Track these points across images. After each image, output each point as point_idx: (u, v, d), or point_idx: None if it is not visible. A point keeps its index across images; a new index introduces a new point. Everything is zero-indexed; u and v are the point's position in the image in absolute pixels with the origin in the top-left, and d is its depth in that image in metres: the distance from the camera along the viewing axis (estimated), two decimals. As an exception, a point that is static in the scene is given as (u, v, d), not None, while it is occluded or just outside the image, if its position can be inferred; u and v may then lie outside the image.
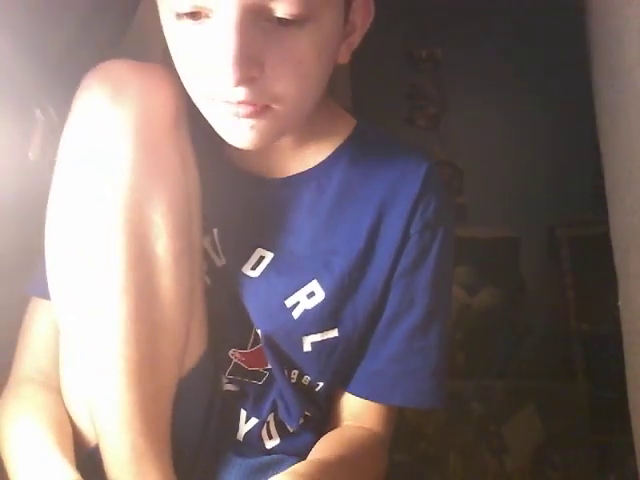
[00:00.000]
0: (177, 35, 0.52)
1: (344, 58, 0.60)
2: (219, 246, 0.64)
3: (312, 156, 0.65)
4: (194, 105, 0.57)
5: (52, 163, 0.56)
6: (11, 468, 0.53)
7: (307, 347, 0.63)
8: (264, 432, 0.66)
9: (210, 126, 0.56)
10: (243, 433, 0.65)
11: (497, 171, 2.36)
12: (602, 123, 0.82)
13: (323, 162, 0.65)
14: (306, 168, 0.65)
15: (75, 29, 0.63)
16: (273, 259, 0.63)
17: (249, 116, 0.52)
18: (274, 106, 0.53)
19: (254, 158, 0.65)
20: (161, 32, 0.55)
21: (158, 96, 0.54)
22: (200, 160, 0.60)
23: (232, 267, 0.63)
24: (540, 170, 2.32)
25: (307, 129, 0.64)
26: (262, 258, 0.63)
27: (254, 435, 0.65)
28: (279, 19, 0.49)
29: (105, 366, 0.52)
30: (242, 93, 0.50)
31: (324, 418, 0.69)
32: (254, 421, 0.65)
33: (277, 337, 0.63)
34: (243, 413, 0.65)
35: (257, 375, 0.66)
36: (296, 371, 0.65)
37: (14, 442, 0.55)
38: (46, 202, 0.55)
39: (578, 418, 1.81)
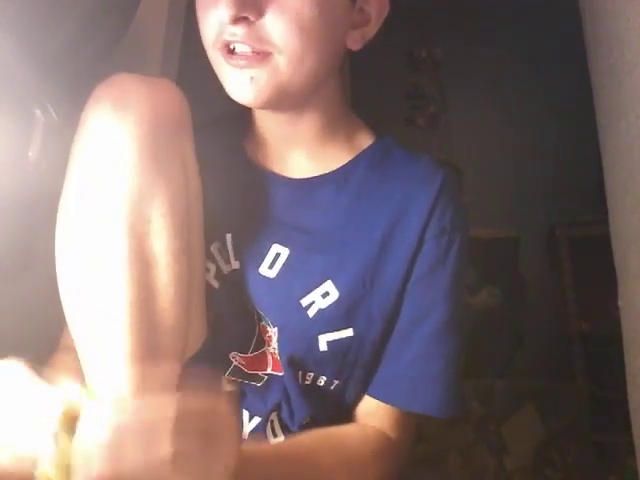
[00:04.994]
0: None
1: (355, 44, 0.63)
2: (231, 250, 0.65)
3: (332, 161, 0.68)
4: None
5: (52, 163, 0.56)
6: None
7: (323, 346, 0.63)
8: (268, 430, 0.67)
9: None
10: (248, 431, 0.66)
11: (497, 171, 2.36)
12: (602, 123, 0.82)
13: (342, 167, 0.68)
14: (325, 171, 0.67)
15: (75, 30, 0.63)
16: (289, 256, 0.64)
17: (248, 65, 0.56)
18: (275, 55, 0.56)
19: (275, 158, 0.68)
20: (161, 33, 0.55)
21: (160, 105, 0.56)
22: (221, 159, 0.61)
23: (247, 269, 0.64)
24: (540, 170, 2.32)
25: (329, 135, 0.68)
26: (278, 255, 0.64)
27: (259, 433, 0.66)
28: None
29: (106, 356, 0.53)
30: (239, 32, 0.55)
31: (331, 418, 0.69)
32: (257, 420, 0.66)
33: (293, 336, 0.63)
34: (246, 413, 0.66)
35: (256, 378, 0.67)
36: (311, 374, 0.66)
37: None
38: (45, 201, 0.56)
39: (578, 418, 1.81)
